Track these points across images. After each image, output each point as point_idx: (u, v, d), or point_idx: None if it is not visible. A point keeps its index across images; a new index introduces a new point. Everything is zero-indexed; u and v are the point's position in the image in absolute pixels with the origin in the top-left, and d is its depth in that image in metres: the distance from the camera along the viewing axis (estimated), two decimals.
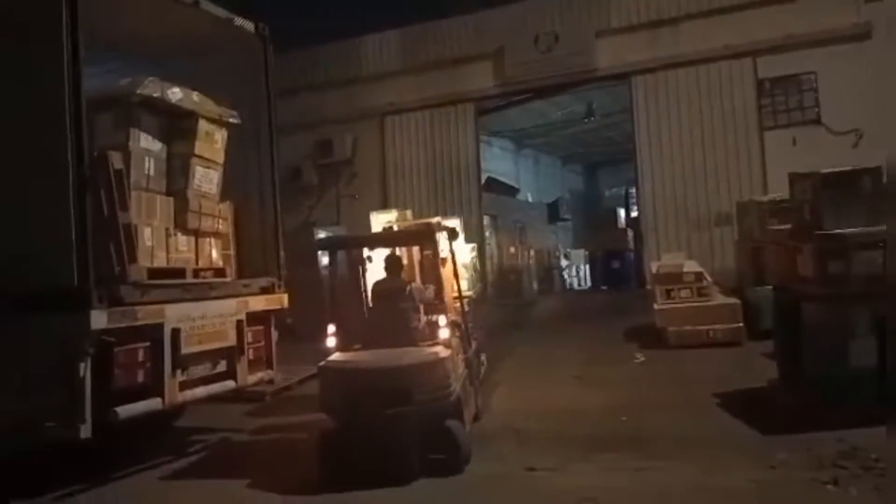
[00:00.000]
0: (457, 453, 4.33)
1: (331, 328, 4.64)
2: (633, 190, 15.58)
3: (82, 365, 4.19)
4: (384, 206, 12.72)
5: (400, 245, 5.69)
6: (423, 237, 5.54)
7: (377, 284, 5.04)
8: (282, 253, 6.12)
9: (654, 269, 9.44)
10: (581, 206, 22.94)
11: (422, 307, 4.97)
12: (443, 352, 4.42)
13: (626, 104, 13.09)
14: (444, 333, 4.59)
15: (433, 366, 4.32)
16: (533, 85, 13.43)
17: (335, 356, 4.51)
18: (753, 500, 3.74)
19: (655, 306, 8.71)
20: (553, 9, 12.88)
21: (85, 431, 4.19)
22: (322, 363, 4.46)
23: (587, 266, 19.61)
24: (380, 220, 7.19)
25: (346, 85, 14.17)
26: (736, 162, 11.58)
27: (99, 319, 4.24)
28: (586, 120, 17.49)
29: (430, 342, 4.61)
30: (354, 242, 5.57)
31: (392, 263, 5.11)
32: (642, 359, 7.85)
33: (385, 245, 5.59)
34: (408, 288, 4.94)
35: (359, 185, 14.26)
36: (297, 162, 13.97)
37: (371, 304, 5.07)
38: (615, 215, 19.10)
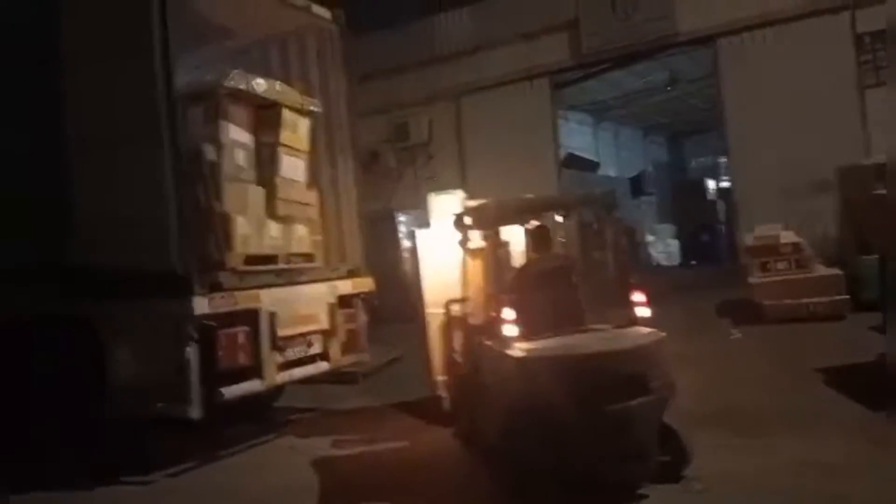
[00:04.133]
0: (683, 455, 3.61)
1: (508, 314, 3.81)
2: (723, 159, 14.89)
3: (188, 349, 4.43)
4: (462, 186, 12.70)
5: (562, 212, 4.70)
6: (595, 202, 4.79)
7: (533, 263, 4.40)
8: (365, 237, 6.25)
9: (748, 242, 9.02)
10: (666, 179, 22.11)
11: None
12: (658, 333, 3.74)
13: (711, 69, 12.47)
14: (644, 312, 3.90)
15: (661, 348, 3.64)
16: (611, 55, 12.99)
17: (526, 345, 3.76)
18: (860, 476, 3.53)
19: (750, 280, 8.31)
20: None
21: (194, 412, 4.43)
22: (520, 354, 3.67)
23: (675, 241, 18.97)
24: (443, 203, 6.18)
25: (421, 67, 14.19)
26: (834, 124, 10.79)
27: (201, 305, 4.46)
28: (669, 88, 16.80)
29: (617, 325, 4.00)
30: (499, 213, 4.46)
31: (542, 238, 4.50)
32: (738, 335, 7.52)
33: (546, 210, 4.64)
34: (575, 265, 4.46)
35: (436, 166, 14.30)
36: (375, 146, 14.16)
37: (529, 286, 4.17)
38: (703, 187, 18.31)
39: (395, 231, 12.04)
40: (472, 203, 5.11)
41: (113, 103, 4.73)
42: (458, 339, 4.95)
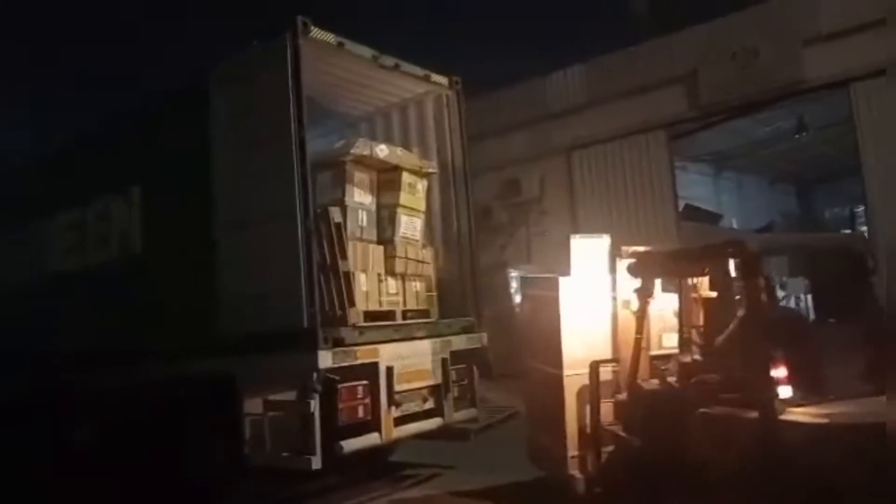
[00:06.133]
0: None
1: (780, 373, 3.22)
2: (861, 209, 13.77)
3: (312, 401, 4.64)
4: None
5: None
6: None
7: (758, 314, 3.50)
8: (479, 293, 6.31)
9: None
10: (796, 230, 20.71)
11: None
12: None
13: (844, 115, 11.70)
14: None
15: None
16: (731, 104, 12.55)
17: (813, 410, 3.15)
18: None
19: None
20: (750, 22, 12.01)
21: (316, 463, 4.60)
22: (819, 421, 3.05)
23: (807, 296, 17.55)
24: (587, 248, 5.20)
25: (532, 124, 14.37)
26: None
27: (325, 359, 4.68)
28: (797, 136, 15.90)
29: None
30: (685, 259, 4.01)
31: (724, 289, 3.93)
32: None
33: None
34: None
35: (548, 222, 14.26)
36: (488, 202, 14.38)
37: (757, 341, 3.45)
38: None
39: (506, 286, 12.06)
40: (643, 249, 4.66)
41: (256, 170, 5.17)
42: (611, 407, 4.43)
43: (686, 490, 3.54)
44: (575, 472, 4.61)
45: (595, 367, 4.50)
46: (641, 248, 4.64)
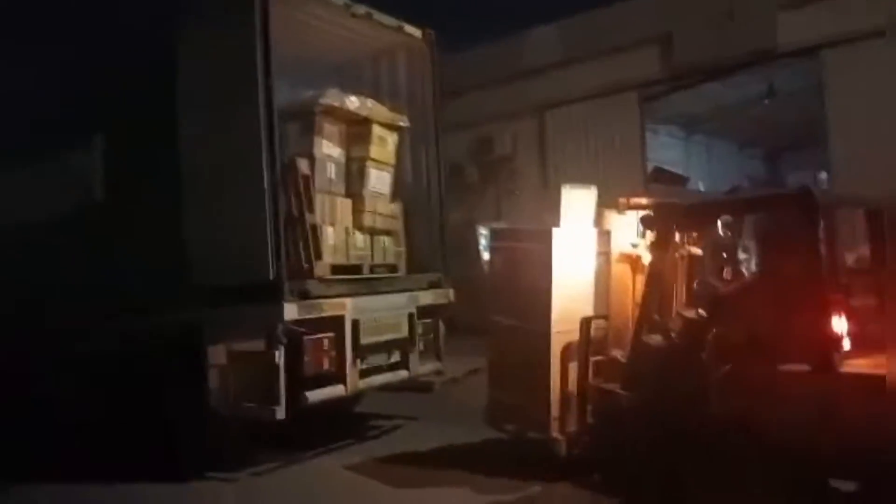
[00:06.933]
0: None
1: (839, 326, 3.09)
2: (823, 175, 14.08)
3: (277, 352, 4.66)
4: (544, 200, 12.63)
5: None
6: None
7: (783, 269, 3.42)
8: (447, 249, 6.35)
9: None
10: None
11: None
12: None
13: (813, 82, 11.84)
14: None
15: None
16: (704, 67, 12.59)
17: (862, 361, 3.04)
18: None
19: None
20: None
21: (280, 413, 4.65)
22: (877, 372, 2.91)
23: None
24: (578, 199, 4.96)
25: (506, 82, 14.23)
26: None
27: (291, 311, 4.69)
28: (766, 101, 16.06)
29: None
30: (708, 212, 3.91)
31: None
32: None
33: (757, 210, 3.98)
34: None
35: (519, 180, 14.29)
36: (459, 159, 14.30)
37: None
38: None
39: (475, 244, 12.12)
40: (659, 200, 4.52)
41: (219, 120, 5.05)
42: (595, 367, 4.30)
43: (705, 451, 3.35)
44: (556, 433, 4.44)
45: (587, 323, 4.35)
46: (652, 200, 4.51)
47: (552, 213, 4.87)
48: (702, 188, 19.64)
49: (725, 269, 4.14)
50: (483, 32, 14.30)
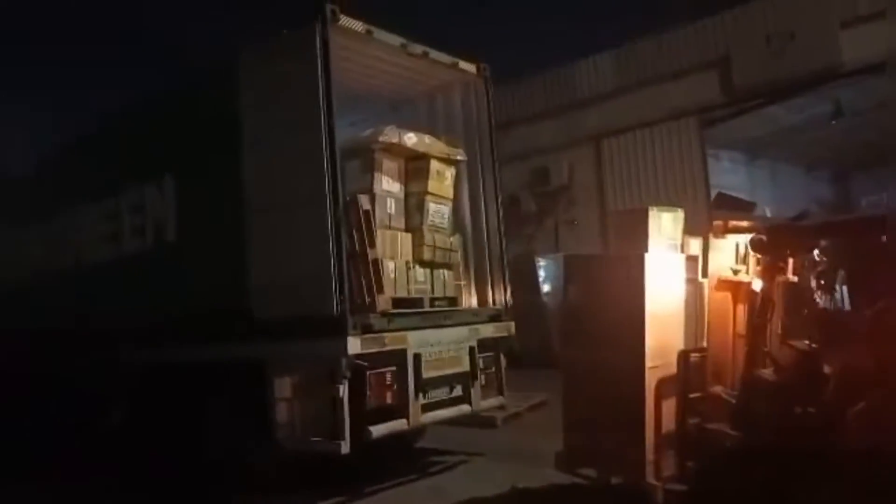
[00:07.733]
0: None
1: None
2: None
3: (341, 387, 4.69)
4: (602, 231, 12.46)
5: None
6: None
7: None
8: (507, 281, 6.30)
9: None
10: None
11: None
12: None
13: (880, 99, 11.36)
14: None
15: None
16: (765, 90, 12.28)
17: None
18: None
19: None
20: (786, 5, 11.71)
21: (345, 447, 4.66)
22: None
23: (843, 287, 17.14)
24: (665, 221, 4.60)
25: (561, 112, 14.24)
26: None
27: (354, 345, 4.73)
28: (834, 122, 15.49)
29: None
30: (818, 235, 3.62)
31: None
32: None
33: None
34: None
35: (576, 211, 14.16)
36: (515, 191, 14.30)
37: None
38: None
39: (534, 275, 12.03)
40: (772, 222, 4.20)
41: (285, 158, 5.21)
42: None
43: (842, 496, 3.07)
44: (651, 479, 4.07)
45: (685, 356, 4.01)
46: (755, 223, 4.13)
47: (619, 239, 4.70)
48: (768, 214, 18.98)
49: (831, 296, 3.84)
50: (537, 62, 14.38)
